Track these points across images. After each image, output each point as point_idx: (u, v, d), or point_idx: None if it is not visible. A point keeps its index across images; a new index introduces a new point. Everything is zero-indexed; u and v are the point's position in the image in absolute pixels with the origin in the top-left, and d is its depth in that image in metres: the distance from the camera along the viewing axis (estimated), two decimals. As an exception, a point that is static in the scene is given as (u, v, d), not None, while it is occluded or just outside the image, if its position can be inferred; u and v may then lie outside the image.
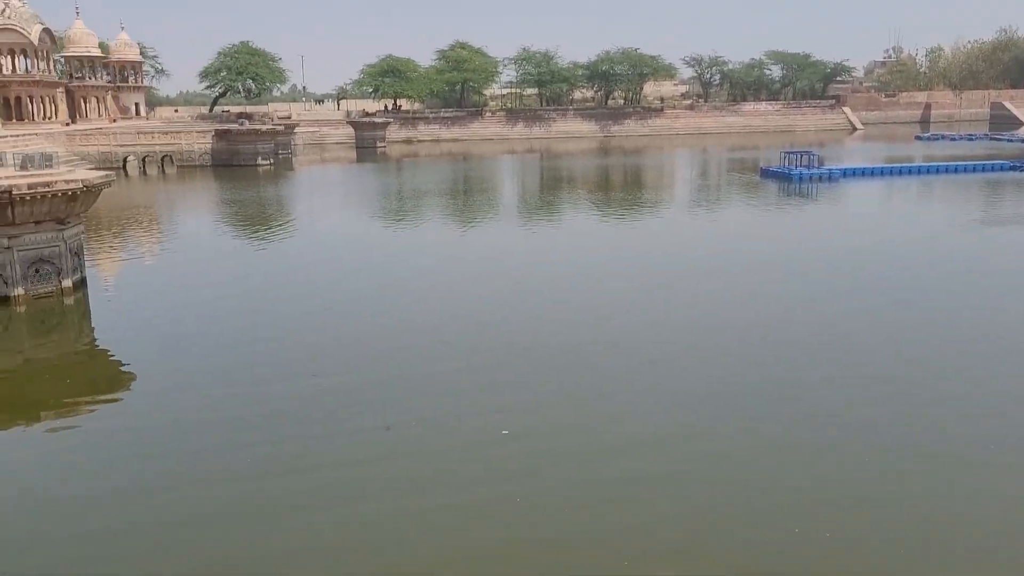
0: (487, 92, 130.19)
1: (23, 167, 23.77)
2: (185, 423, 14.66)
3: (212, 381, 16.80)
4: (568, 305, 22.51)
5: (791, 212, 42.39)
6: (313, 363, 17.72)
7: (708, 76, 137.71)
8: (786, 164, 55.92)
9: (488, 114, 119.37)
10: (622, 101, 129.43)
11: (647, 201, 47.41)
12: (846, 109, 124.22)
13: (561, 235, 36.55)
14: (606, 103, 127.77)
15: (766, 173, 56.79)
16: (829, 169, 54.96)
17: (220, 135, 72.27)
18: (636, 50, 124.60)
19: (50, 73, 74.37)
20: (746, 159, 74.74)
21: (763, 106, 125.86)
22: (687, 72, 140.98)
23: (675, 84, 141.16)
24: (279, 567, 10.25)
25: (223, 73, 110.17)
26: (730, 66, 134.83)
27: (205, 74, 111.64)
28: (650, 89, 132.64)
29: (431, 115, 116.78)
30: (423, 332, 19.93)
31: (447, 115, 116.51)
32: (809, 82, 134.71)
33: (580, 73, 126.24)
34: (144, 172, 68.29)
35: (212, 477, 12.62)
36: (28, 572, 10.28)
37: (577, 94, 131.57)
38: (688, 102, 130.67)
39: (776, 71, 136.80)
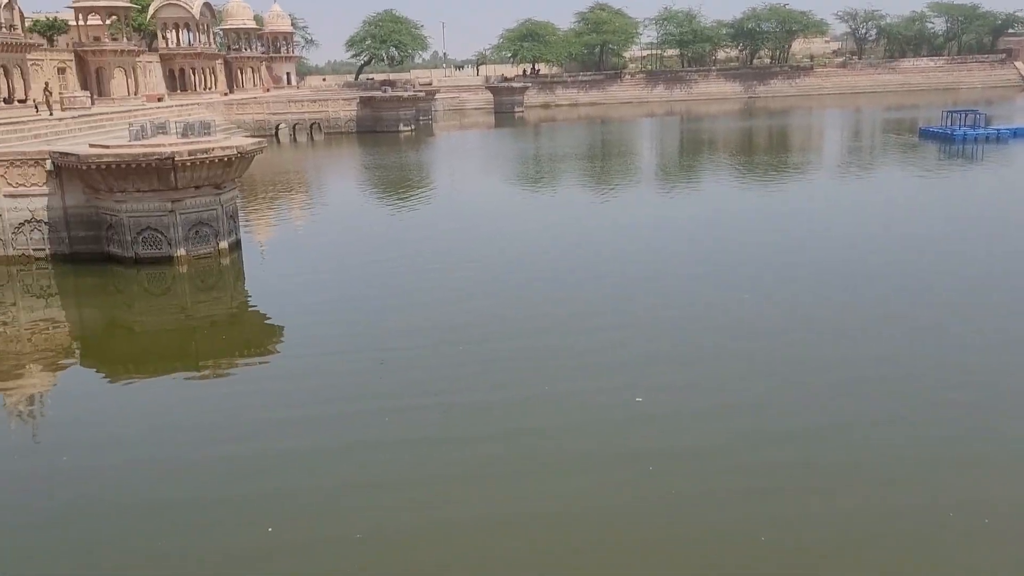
0: (626, 54, 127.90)
1: (184, 135, 25.17)
2: (325, 387, 15.26)
3: (352, 347, 17.27)
4: (710, 274, 21.95)
5: (952, 176, 39.56)
6: (451, 332, 18.02)
7: (863, 31, 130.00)
8: (948, 124, 52.23)
9: (627, 76, 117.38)
10: (768, 60, 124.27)
11: (793, 164, 45.44)
12: (1018, 64, 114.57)
13: (701, 201, 35.54)
14: (751, 63, 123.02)
15: (925, 134, 53.29)
16: (997, 129, 50.99)
17: (364, 102, 74.38)
18: (785, 6, 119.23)
19: (210, 45, 78.44)
20: (903, 119, 70.38)
21: (924, 62, 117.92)
22: (840, 28, 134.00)
23: (826, 41, 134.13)
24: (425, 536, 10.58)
25: (368, 41, 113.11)
26: (888, 20, 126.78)
27: (351, 43, 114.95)
28: (799, 47, 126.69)
29: (569, 79, 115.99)
30: (561, 302, 19.93)
31: (585, 78, 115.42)
32: (976, 35, 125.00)
33: (724, 32, 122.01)
34: (294, 139, 71.29)
35: (346, 444, 13.13)
36: (167, 501, 11.05)
37: (720, 54, 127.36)
38: (840, 60, 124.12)
39: (939, 24, 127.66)
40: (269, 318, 19.95)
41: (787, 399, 13.75)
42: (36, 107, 43.42)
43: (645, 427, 12.90)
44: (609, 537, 10.09)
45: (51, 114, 41.96)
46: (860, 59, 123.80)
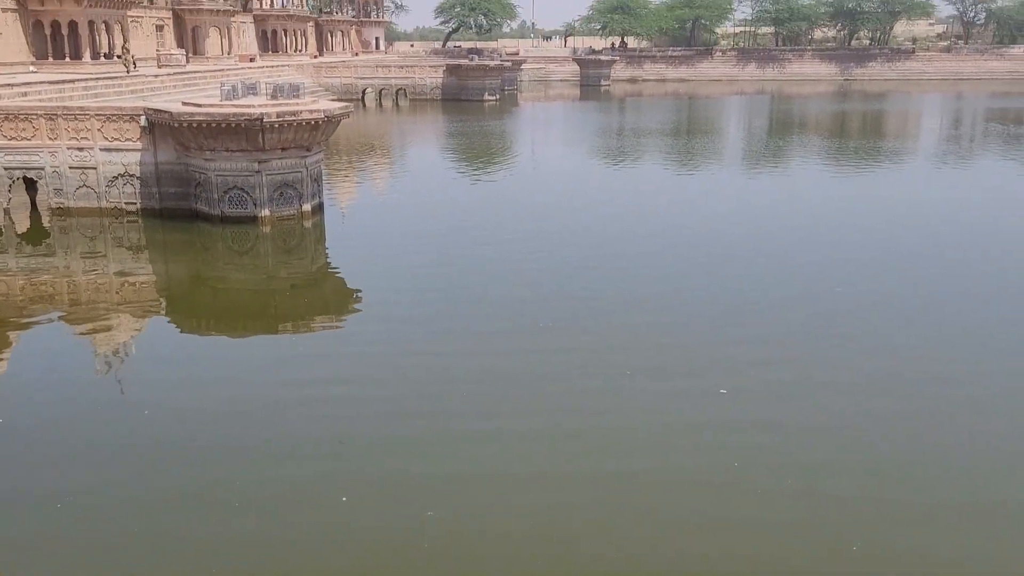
0: (719, 30, 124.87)
1: (274, 96, 25.44)
2: (401, 359, 15.25)
3: (428, 318, 17.25)
4: (796, 269, 21.26)
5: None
6: (529, 308, 17.88)
7: (971, 15, 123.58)
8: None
9: (718, 53, 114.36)
10: (867, 42, 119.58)
11: (886, 151, 43.66)
12: None
13: (787, 185, 34.42)
14: (849, 43, 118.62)
15: (1034, 125, 50.61)
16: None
17: (451, 70, 74.43)
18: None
19: (302, 8, 79.61)
20: (1009, 109, 66.97)
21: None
22: (946, 10, 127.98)
23: (930, 23, 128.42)
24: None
25: (457, 9, 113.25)
26: (998, 3, 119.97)
27: (440, 10, 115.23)
28: (901, 29, 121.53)
29: (658, 53, 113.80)
30: (634, 284, 19.58)
31: (675, 54, 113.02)
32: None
33: (823, 11, 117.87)
34: (380, 104, 71.78)
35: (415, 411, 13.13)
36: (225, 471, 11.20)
37: (817, 33, 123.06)
38: (944, 44, 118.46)
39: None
40: (348, 283, 20.10)
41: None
42: (125, 65, 44.16)
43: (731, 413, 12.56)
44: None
45: (128, 71, 42.74)
46: (966, 44, 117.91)
